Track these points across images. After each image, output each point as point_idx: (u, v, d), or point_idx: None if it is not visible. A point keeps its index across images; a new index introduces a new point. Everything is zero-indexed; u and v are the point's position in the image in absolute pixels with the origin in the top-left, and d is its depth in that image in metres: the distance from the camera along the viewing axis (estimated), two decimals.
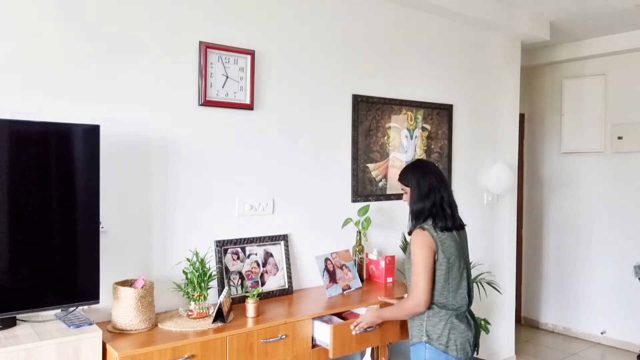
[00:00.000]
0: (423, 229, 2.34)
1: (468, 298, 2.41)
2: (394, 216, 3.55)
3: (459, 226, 2.45)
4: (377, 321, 2.56)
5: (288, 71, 3.02)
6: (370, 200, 3.41)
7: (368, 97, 3.39)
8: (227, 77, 2.76)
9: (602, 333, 4.98)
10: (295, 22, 3.05)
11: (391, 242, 3.51)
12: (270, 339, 2.38)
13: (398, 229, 3.53)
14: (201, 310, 2.40)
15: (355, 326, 2.52)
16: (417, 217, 2.40)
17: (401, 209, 3.59)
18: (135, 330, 2.22)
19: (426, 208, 2.38)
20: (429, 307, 2.33)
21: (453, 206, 2.44)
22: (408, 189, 2.47)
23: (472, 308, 3.77)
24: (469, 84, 4.04)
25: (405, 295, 2.70)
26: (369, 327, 2.57)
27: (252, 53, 2.83)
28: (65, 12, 2.31)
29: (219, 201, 2.77)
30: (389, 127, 3.52)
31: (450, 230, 2.37)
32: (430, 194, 2.39)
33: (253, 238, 2.86)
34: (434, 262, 2.32)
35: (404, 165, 3.59)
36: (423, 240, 2.31)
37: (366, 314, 2.56)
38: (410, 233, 2.43)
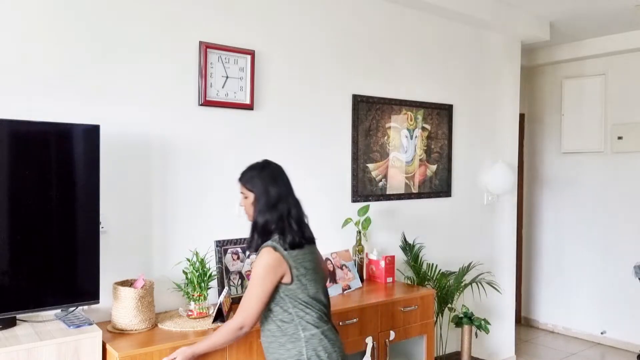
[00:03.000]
0: (274, 249, 1.98)
1: (327, 307, 2.13)
2: (394, 216, 3.55)
3: (309, 239, 2.11)
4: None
5: (288, 71, 3.02)
6: (370, 200, 3.40)
7: (368, 97, 3.39)
8: (227, 77, 2.76)
9: (602, 333, 4.97)
10: (295, 22, 3.05)
11: (391, 242, 3.51)
12: None
13: (398, 229, 3.53)
14: (201, 310, 2.40)
15: None
16: (263, 233, 2.04)
17: (402, 209, 3.60)
18: (135, 330, 2.23)
19: (272, 221, 2.03)
20: (304, 330, 2.00)
21: (301, 222, 2.09)
22: (250, 195, 2.07)
23: (472, 308, 3.82)
24: (469, 84, 4.04)
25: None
26: None
27: (252, 53, 2.83)
28: (66, 13, 2.31)
29: (219, 201, 2.77)
30: (389, 127, 3.52)
31: (301, 246, 2.04)
32: (279, 204, 2.04)
33: None
34: (279, 284, 2.00)
35: (404, 165, 3.61)
36: (272, 264, 1.97)
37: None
38: (255, 250, 2.06)
